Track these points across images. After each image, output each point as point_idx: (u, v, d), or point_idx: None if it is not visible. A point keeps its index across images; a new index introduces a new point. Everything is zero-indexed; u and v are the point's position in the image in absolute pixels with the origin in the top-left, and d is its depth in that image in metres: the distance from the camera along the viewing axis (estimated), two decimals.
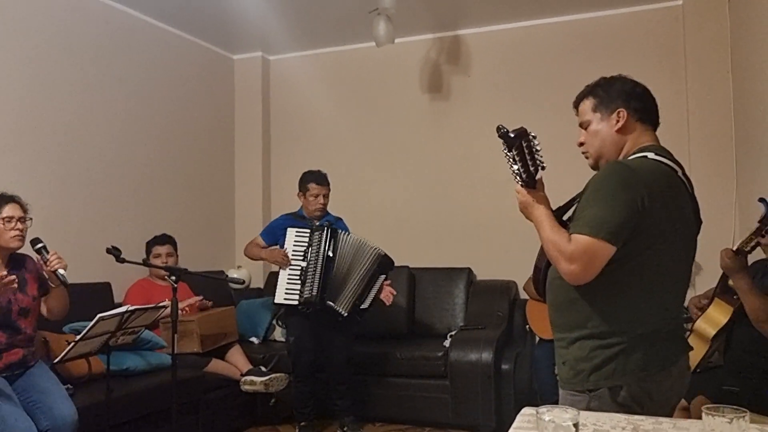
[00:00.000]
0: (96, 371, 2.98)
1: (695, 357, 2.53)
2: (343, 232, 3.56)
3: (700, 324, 2.54)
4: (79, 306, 2.94)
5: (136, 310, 2.64)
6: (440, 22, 4.48)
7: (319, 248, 3.46)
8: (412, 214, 4.67)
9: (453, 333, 3.92)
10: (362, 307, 3.53)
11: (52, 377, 2.65)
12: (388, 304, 3.60)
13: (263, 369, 3.65)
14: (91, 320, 2.46)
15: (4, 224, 2.54)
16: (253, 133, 5.06)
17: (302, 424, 3.61)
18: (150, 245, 3.87)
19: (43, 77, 3.52)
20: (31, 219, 2.64)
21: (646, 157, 1.52)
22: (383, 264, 3.57)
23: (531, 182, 1.53)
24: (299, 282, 3.44)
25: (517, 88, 4.47)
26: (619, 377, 1.45)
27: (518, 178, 1.51)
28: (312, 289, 3.42)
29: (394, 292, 3.63)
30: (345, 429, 3.62)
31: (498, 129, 1.44)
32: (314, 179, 3.64)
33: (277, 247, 3.59)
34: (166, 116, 4.40)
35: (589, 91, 1.66)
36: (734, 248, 2.34)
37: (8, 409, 2.36)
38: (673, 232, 1.48)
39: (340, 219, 3.81)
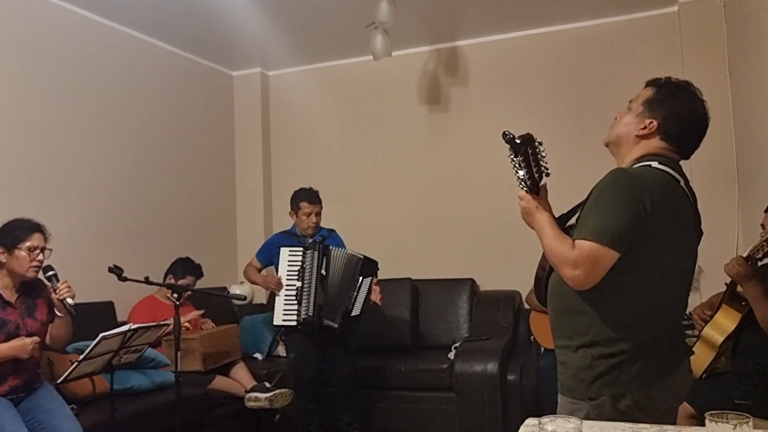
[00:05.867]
0: (100, 391, 2.97)
1: (703, 363, 2.52)
2: (335, 248, 3.52)
3: (708, 331, 2.53)
4: (83, 325, 2.93)
5: (138, 328, 2.63)
6: (437, 34, 4.51)
7: (312, 267, 3.45)
8: (413, 226, 4.67)
9: (457, 344, 3.90)
10: (353, 315, 3.46)
11: (56, 397, 2.65)
12: (380, 304, 3.56)
13: (267, 385, 3.63)
14: (94, 339, 2.46)
15: (27, 253, 2.54)
16: (253, 149, 5.08)
17: None
18: (183, 271, 3.79)
19: (44, 98, 3.54)
20: (50, 250, 2.63)
21: (650, 165, 1.52)
22: (364, 267, 3.49)
23: (535, 188, 1.53)
24: (296, 302, 3.43)
25: (515, 98, 4.48)
26: (623, 385, 1.44)
27: (523, 184, 1.51)
28: (309, 309, 3.41)
29: (379, 289, 3.55)
30: None
31: (504, 135, 1.45)
32: (306, 198, 3.63)
33: (272, 272, 3.59)
34: (167, 133, 4.42)
35: (657, 84, 1.61)
36: (745, 255, 2.33)
37: (13, 430, 2.35)
38: (673, 240, 1.48)
39: (333, 231, 3.80)
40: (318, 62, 4.98)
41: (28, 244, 2.54)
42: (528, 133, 1.44)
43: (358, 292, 3.48)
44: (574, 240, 1.45)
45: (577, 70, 4.31)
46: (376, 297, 3.53)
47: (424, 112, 4.70)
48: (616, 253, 1.41)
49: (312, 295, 3.42)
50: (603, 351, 1.46)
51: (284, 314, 3.44)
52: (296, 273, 3.45)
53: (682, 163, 1.62)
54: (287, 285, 3.46)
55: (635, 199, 1.42)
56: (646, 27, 4.16)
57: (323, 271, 3.44)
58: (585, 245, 1.42)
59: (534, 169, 1.47)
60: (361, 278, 3.48)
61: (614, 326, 1.46)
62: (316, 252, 3.46)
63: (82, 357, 2.46)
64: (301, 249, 3.48)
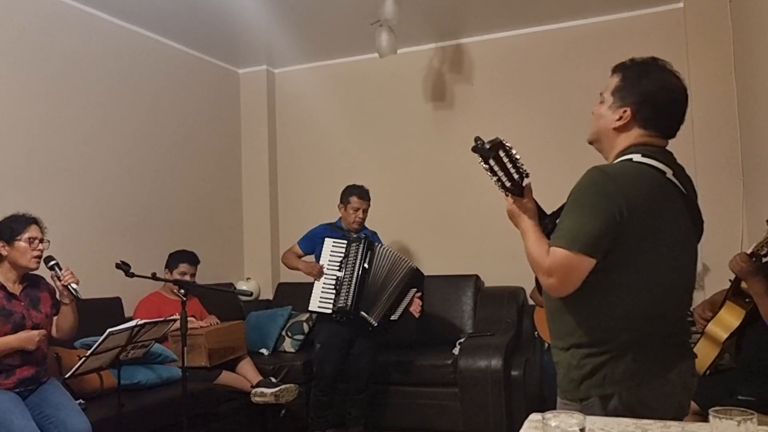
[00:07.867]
0: (108, 386, 3.00)
1: (706, 360, 2.53)
2: (380, 245, 3.63)
3: (712, 327, 2.53)
4: (90, 321, 2.96)
5: (145, 324, 2.65)
6: (442, 31, 4.51)
7: (356, 260, 3.53)
8: (418, 222, 4.68)
9: (462, 340, 3.91)
10: (392, 318, 3.60)
11: (64, 392, 2.68)
12: (417, 316, 3.67)
13: (273, 380, 3.66)
14: (102, 335, 2.48)
15: (28, 244, 2.60)
16: (259, 146, 5.10)
17: None
18: (176, 261, 3.83)
19: (52, 95, 3.56)
20: (48, 241, 2.70)
21: (631, 160, 1.45)
22: (415, 278, 3.65)
23: (517, 191, 1.50)
24: (334, 291, 3.52)
25: (519, 95, 4.48)
26: (609, 386, 1.40)
27: (502, 188, 1.49)
28: (347, 300, 3.49)
29: (421, 303, 3.68)
30: None
31: (475, 141, 1.43)
32: (357, 193, 3.73)
33: (313, 260, 3.67)
34: (173, 131, 4.44)
35: (622, 69, 1.55)
36: (749, 252, 2.33)
37: (21, 424, 2.38)
38: (660, 239, 1.42)
39: (376, 233, 3.90)
40: (324, 60, 4.99)
41: (26, 235, 2.60)
42: (496, 138, 1.42)
43: (404, 300, 3.61)
44: (549, 246, 1.42)
45: (582, 67, 4.30)
46: (415, 309, 3.64)
47: (429, 109, 4.71)
48: (590, 259, 1.37)
49: (352, 286, 3.50)
50: (589, 351, 1.43)
51: (320, 301, 3.53)
52: (338, 263, 3.54)
53: (687, 159, 1.58)
54: (327, 274, 3.54)
55: (610, 202, 1.36)
56: (652, 23, 4.15)
57: (366, 265, 3.52)
58: (558, 253, 1.39)
59: (512, 172, 1.45)
60: (410, 288, 3.62)
61: (598, 326, 1.43)
62: (361, 245, 3.54)
63: (89, 352, 2.48)
64: (345, 241, 3.57)
